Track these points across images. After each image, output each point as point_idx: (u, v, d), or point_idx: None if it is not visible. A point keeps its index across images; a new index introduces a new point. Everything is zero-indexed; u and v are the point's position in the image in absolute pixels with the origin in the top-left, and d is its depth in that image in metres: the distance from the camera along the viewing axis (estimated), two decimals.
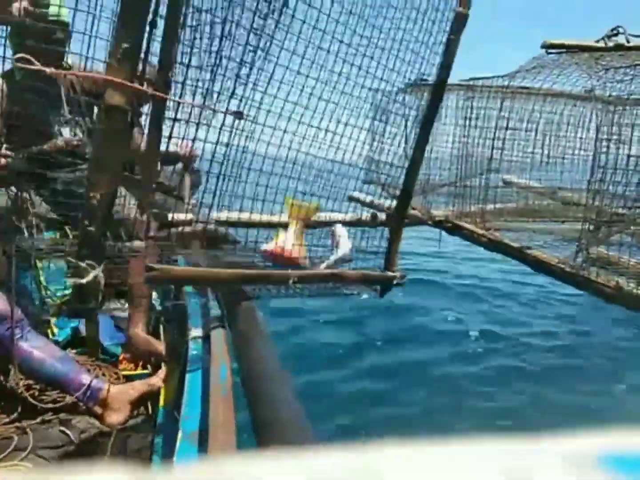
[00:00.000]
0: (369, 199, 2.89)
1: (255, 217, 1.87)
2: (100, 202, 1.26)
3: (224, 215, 2.10)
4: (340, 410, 3.70)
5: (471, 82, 3.13)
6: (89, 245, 1.29)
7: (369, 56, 1.80)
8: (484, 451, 0.26)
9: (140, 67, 1.31)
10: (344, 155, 1.86)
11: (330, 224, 2.39)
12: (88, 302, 1.35)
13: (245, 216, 1.93)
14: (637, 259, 2.21)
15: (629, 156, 2.14)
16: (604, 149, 2.17)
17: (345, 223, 2.40)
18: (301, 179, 1.86)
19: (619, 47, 2.18)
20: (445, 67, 1.94)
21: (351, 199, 2.69)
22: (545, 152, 3.28)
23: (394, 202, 2.15)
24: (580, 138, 3.32)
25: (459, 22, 1.92)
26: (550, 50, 2.29)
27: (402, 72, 1.93)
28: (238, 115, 1.61)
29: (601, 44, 2.21)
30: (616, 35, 2.18)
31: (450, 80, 2.07)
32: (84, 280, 1.27)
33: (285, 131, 1.71)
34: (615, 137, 2.18)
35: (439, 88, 1.99)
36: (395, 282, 2.12)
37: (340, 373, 4.35)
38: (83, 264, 1.27)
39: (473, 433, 0.28)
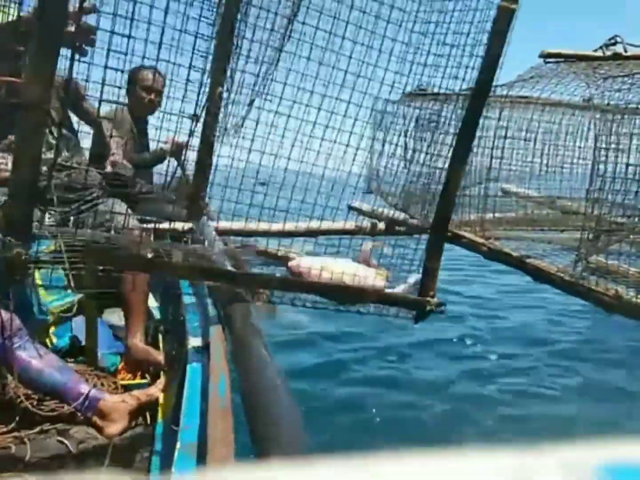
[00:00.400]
0: (368, 207, 2.90)
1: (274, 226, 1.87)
2: (22, 184, 1.39)
3: (238, 225, 2.09)
4: (340, 422, 3.69)
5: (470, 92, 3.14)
6: (11, 224, 1.42)
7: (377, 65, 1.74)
8: (485, 459, 0.26)
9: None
10: (344, 164, 1.85)
11: (330, 232, 2.39)
12: (14, 274, 1.49)
13: (263, 226, 1.92)
14: (637, 267, 2.21)
15: (627, 165, 2.14)
16: (603, 158, 2.17)
17: (344, 232, 2.40)
18: (302, 188, 1.86)
19: (616, 57, 2.19)
20: (485, 72, 1.66)
21: (351, 208, 2.69)
22: (544, 161, 3.28)
23: (393, 212, 2.14)
24: (579, 147, 3.33)
25: (503, 19, 1.58)
26: (548, 60, 2.30)
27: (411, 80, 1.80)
28: (195, 118, 1.64)
29: (599, 53, 2.22)
30: (614, 44, 2.19)
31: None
32: (8, 254, 1.42)
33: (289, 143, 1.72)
34: (613, 146, 2.18)
35: (478, 98, 1.71)
36: (428, 308, 1.81)
37: (338, 383, 4.34)
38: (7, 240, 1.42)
39: (476, 444, 0.28)
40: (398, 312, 1.88)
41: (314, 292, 1.84)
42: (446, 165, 1.88)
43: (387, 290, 1.90)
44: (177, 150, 2.73)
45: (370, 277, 1.87)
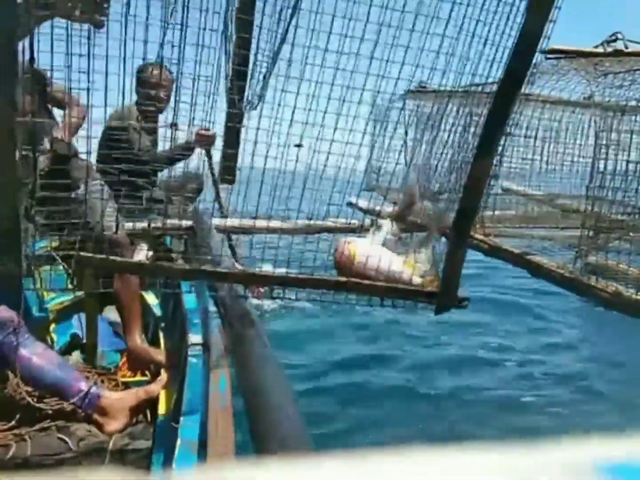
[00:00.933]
0: (368, 204, 2.88)
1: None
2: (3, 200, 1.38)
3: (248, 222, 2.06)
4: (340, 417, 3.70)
5: (471, 88, 3.13)
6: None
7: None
8: (486, 457, 0.26)
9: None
10: (346, 161, 1.82)
11: (331, 230, 2.39)
12: (10, 285, 1.52)
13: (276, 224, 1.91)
14: (636, 265, 2.21)
15: (627, 162, 2.13)
16: (603, 155, 2.17)
17: (345, 229, 2.39)
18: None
19: (617, 53, 2.18)
20: (517, 59, 1.45)
21: (350, 205, 2.68)
22: (545, 158, 3.27)
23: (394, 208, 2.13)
24: (580, 145, 3.32)
25: None
26: (548, 56, 2.29)
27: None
28: (174, 126, 1.63)
29: (600, 50, 2.21)
30: (615, 41, 2.19)
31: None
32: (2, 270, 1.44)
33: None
34: (614, 143, 2.18)
35: (506, 88, 1.51)
36: (450, 303, 1.73)
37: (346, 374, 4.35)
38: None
39: (476, 442, 0.28)
40: (416, 304, 1.81)
41: (320, 288, 1.74)
42: (446, 164, 1.86)
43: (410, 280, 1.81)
44: (202, 140, 2.65)
45: (399, 271, 1.81)
